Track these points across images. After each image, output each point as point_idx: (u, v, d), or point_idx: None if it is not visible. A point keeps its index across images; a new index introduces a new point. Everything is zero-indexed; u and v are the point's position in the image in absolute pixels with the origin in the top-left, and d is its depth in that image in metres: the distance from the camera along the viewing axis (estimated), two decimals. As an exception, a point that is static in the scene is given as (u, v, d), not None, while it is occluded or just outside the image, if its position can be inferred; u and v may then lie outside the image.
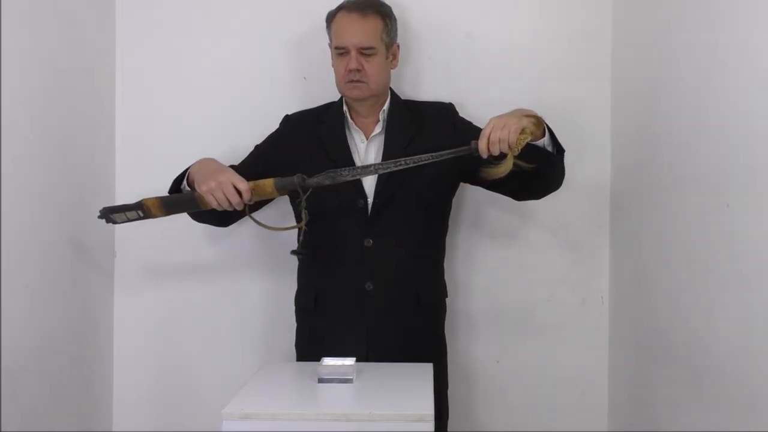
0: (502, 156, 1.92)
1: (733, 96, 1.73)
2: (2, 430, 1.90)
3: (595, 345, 2.52)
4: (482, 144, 1.91)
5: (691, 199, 1.93)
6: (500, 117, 1.93)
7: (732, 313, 1.73)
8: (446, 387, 2.26)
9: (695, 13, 1.93)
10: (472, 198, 2.48)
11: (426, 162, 2.00)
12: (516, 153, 1.90)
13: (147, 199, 2.03)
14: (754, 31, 1.65)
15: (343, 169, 2.05)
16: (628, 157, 2.39)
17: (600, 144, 2.49)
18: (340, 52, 2.16)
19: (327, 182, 2.02)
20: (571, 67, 2.49)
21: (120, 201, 2.45)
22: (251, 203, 2.03)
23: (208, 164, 2.08)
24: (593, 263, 2.52)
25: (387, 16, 2.19)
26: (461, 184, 2.29)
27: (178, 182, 2.14)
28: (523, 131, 1.90)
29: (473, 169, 2.14)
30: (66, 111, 2.23)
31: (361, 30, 2.13)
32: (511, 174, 1.98)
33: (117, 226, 2.48)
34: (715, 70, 1.82)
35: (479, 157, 1.94)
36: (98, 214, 2.07)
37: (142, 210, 2.03)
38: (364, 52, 2.13)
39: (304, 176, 2.00)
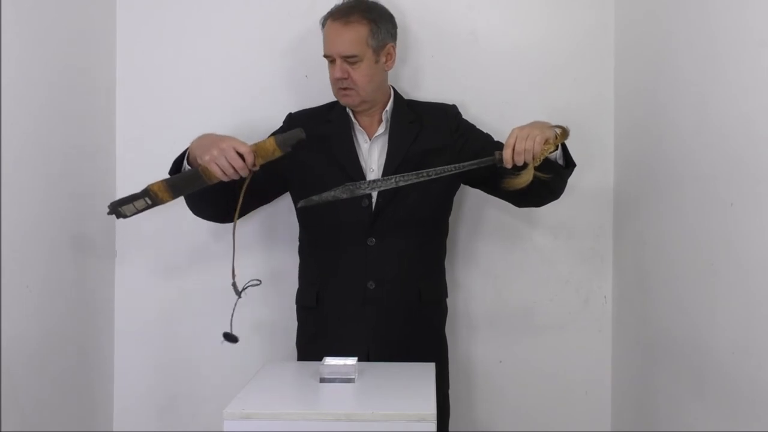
0: (523, 166, 1.93)
1: (736, 97, 1.72)
2: (2, 430, 1.89)
3: (598, 345, 2.52)
4: (507, 154, 1.92)
5: (694, 199, 1.93)
6: (523, 128, 1.94)
7: (735, 312, 1.73)
8: (447, 386, 2.26)
9: (697, 15, 1.92)
10: (474, 198, 2.47)
11: (449, 173, 1.99)
12: (537, 164, 1.92)
13: (152, 184, 1.98)
14: (756, 32, 1.64)
15: (362, 182, 2.03)
16: (631, 157, 2.39)
17: (603, 144, 2.48)
18: (328, 60, 2.17)
19: (344, 196, 1.99)
20: (573, 69, 2.49)
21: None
22: (256, 168, 1.98)
23: (207, 137, 2.03)
24: (596, 263, 2.51)
25: (374, 20, 2.16)
26: (462, 184, 2.29)
27: (178, 164, 2.10)
28: (546, 142, 1.92)
29: (474, 173, 2.16)
30: (66, 111, 2.23)
31: (342, 39, 2.13)
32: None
33: (118, 224, 2.48)
34: (717, 72, 1.81)
35: (502, 167, 1.95)
36: (107, 210, 2.02)
37: (149, 197, 1.98)
38: (348, 60, 2.13)
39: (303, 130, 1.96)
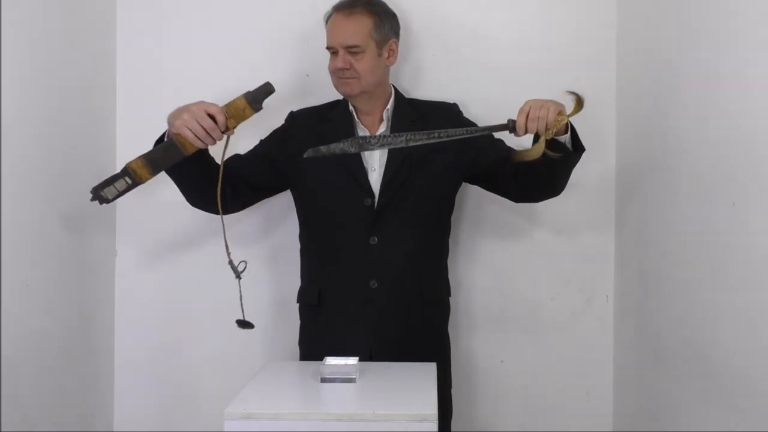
0: (535, 140, 1.92)
1: (739, 93, 1.71)
2: (2, 430, 1.89)
3: (600, 344, 2.51)
4: (521, 119, 1.90)
5: (696, 198, 1.92)
6: (537, 99, 1.93)
7: (738, 312, 1.72)
8: (450, 386, 2.25)
9: (701, 9, 1.91)
10: (475, 196, 2.46)
11: (460, 137, 1.97)
12: (550, 136, 1.90)
13: (130, 161, 1.97)
14: (762, 26, 1.63)
15: (371, 137, 2.01)
16: (633, 155, 2.38)
17: (605, 142, 2.47)
18: (330, 51, 2.17)
19: (352, 150, 1.97)
20: (575, 67, 2.48)
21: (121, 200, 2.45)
22: (231, 132, 1.97)
23: (180, 107, 2.02)
24: (598, 262, 2.51)
25: (377, 14, 2.18)
26: (463, 182, 2.29)
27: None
28: (560, 113, 1.90)
29: (474, 167, 2.18)
30: (66, 110, 2.22)
31: (346, 29, 2.14)
32: (519, 172, 2.02)
33: (119, 223, 2.47)
34: (720, 68, 1.80)
35: (514, 133, 1.93)
36: (90, 196, 2.00)
37: (128, 176, 1.96)
38: (351, 50, 2.13)
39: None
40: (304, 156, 1.96)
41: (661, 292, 2.15)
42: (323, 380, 1.79)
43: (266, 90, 1.96)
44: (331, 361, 1.81)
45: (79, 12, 2.30)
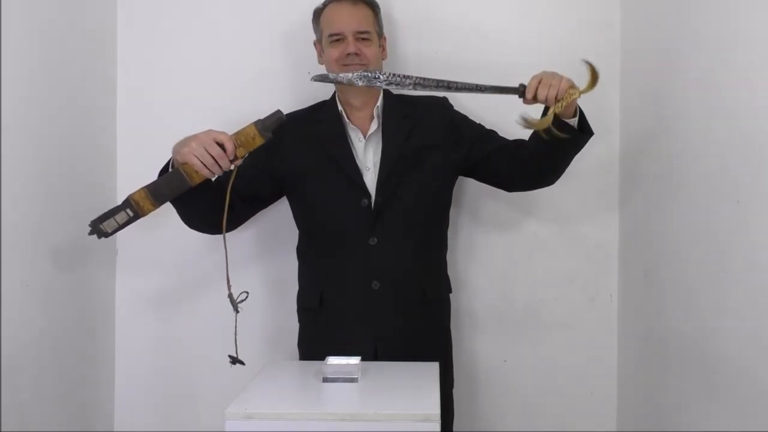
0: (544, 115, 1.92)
1: (743, 92, 1.71)
2: (2, 430, 1.88)
3: (604, 344, 2.50)
4: (532, 82, 1.90)
5: (701, 196, 1.91)
6: (551, 71, 1.93)
7: (743, 310, 1.71)
8: (452, 386, 2.24)
9: (703, 8, 1.90)
10: (473, 193, 2.45)
11: (470, 91, 1.96)
12: (560, 109, 1.88)
13: (133, 193, 1.93)
14: (765, 24, 1.61)
15: (381, 72, 2.02)
16: (636, 153, 2.37)
17: (608, 140, 2.46)
18: (335, 38, 2.15)
19: (360, 83, 1.98)
20: (578, 66, 2.45)
21: (122, 198, 2.44)
22: (238, 161, 1.93)
23: (187, 137, 1.98)
24: (602, 261, 2.50)
25: (376, 7, 2.22)
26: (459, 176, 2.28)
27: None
28: (571, 87, 1.90)
29: (469, 160, 2.18)
30: (67, 107, 2.22)
31: (355, 16, 2.15)
32: (518, 157, 2.04)
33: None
34: (725, 65, 1.79)
35: (523, 99, 1.92)
36: (88, 230, 1.95)
37: (130, 208, 1.92)
38: (361, 36, 2.13)
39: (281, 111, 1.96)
40: (311, 79, 2.01)
41: (665, 291, 2.14)
42: (325, 380, 1.78)
43: (277, 118, 1.92)
44: (332, 360, 1.79)
45: (80, 13, 2.29)
